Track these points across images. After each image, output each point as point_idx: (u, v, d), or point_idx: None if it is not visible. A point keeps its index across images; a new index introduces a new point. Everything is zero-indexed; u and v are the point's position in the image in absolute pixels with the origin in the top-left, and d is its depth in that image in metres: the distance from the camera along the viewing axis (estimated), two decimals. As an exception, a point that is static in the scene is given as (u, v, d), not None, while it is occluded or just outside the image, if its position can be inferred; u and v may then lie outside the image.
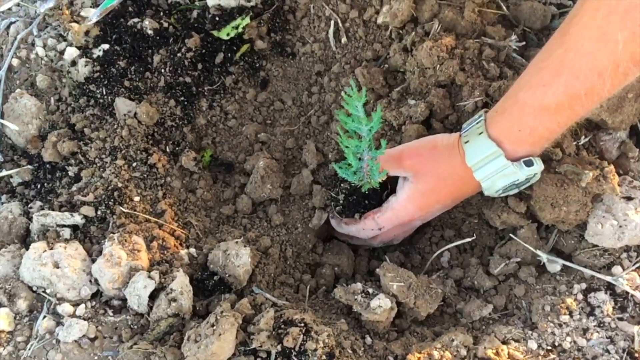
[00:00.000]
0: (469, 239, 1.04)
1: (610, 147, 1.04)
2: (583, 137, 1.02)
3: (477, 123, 0.95)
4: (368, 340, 0.93)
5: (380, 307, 0.92)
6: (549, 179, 0.97)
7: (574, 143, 1.00)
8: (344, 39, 1.19)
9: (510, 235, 1.03)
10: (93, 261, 0.95)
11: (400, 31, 1.16)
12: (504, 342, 0.91)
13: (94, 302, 0.93)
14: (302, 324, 0.87)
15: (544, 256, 1.00)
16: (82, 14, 1.20)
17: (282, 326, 0.87)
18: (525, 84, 0.88)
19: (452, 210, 1.10)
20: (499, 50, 1.11)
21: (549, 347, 0.91)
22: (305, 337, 0.86)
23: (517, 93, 0.89)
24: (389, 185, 1.05)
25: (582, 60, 0.79)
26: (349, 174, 0.98)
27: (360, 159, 0.94)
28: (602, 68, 0.78)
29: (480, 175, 0.94)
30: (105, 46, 1.14)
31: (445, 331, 0.95)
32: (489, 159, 0.92)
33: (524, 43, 1.11)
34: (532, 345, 0.90)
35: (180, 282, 0.92)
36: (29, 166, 1.08)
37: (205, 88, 1.17)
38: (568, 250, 1.01)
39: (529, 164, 0.91)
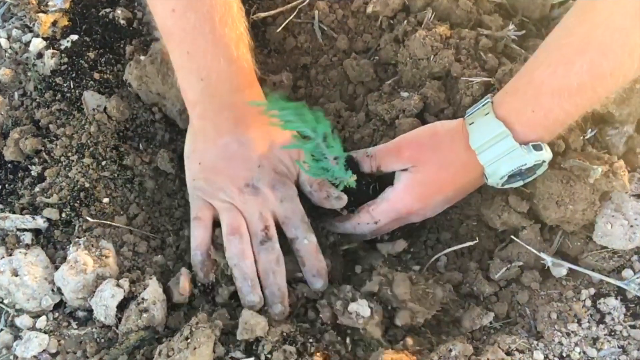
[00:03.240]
0: (469, 243, 0.97)
1: (617, 142, 0.97)
2: (589, 130, 0.95)
3: (483, 106, 0.88)
4: (360, 352, 0.85)
5: (358, 314, 0.84)
6: (553, 175, 0.90)
7: (580, 137, 0.94)
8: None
9: (512, 237, 0.95)
10: (56, 268, 0.87)
11: (392, 21, 1.10)
12: (508, 353, 0.84)
13: (56, 314, 0.85)
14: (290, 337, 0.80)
15: (548, 259, 0.92)
16: (50, 3, 1.12)
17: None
18: (541, 63, 0.81)
19: (449, 212, 1.03)
20: (497, 40, 1.05)
21: (557, 358, 0.84)
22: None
23: (532, 72, 0.82)
24: (377, 185, 0.98)
25: (613, 37, 0.74)
26: (317, 172, 0.90)
27: (323, 158, 0.87)
28: (634, 46, 0.73)
29: (485, 158, 0.87)
30: (74, 37, 1.06)
31: (443, 341, 0.88)
32: (496, 140, 0.85)
33: (523, 32, 1.05)
34: (539, 356, 0.83)
35: (153, 291, 0.85)
36: (-11, 166, 1.00)
37: (183, 82, 1.09)
38: (574, 253, 0.94)
39: (537, 148, 0.85)
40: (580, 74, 0.77)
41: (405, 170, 0.93)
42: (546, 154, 0.85)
